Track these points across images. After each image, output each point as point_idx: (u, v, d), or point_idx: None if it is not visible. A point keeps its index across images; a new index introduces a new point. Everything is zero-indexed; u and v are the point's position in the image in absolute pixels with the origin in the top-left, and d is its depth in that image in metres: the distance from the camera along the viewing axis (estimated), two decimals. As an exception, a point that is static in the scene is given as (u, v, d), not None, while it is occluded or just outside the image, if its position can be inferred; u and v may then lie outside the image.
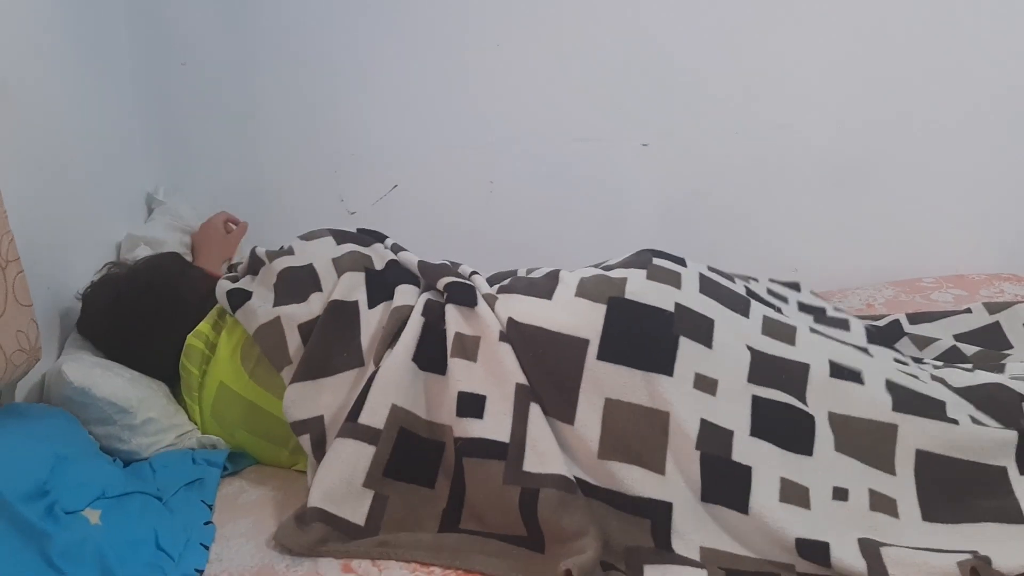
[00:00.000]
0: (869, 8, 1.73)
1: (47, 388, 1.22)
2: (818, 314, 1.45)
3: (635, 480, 1.08)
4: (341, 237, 1.38)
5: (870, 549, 0.99)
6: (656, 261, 1.28)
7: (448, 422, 1.15)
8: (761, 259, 1.61)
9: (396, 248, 1.40)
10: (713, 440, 1.08)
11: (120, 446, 1.21)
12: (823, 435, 1.12)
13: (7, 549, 0.90)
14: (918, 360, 1.38)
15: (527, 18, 1.76)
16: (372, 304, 1.26)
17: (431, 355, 1.19)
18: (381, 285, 1.29)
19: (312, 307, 1.25)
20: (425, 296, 1.27)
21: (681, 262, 1.30)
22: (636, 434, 1.10)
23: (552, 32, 1.77)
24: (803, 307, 1.48)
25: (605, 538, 1.03)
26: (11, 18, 1.28)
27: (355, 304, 1.26)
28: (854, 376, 1.16)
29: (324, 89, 1.81)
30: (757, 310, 1.27)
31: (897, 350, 1.38)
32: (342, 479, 1.11)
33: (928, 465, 1.09)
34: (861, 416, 1.13)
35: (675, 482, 1.08)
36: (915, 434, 1.10)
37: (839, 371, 1.17)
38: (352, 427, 1.13)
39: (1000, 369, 1.27)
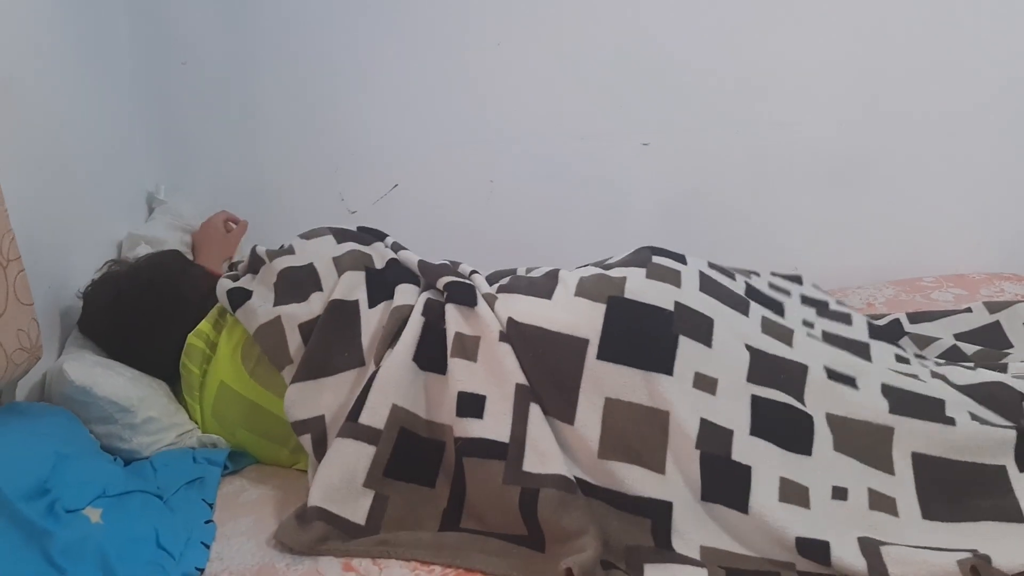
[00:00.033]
0: (869, 7, 1.73)
1: (48, 387, 1.22)
2: (821, 307, 1.44)
3: (635, 480, 1.08)
4: (341, 235, 1.38)
5: (870, 548, 0.99)
6: (656, 259, 1.28)
7: (448, 422, 1.15)
8: (761, 259, 1.61)
9: (396, 247, 1.40)
10: (713, 439, 1.08)
11: (121, 445, 1.21)
12: (822, 435, 1.12)
13: (8, 547, 0.90)
14: (920, 356, 1.38)
15: (527, 18, 1.76)
16: (372, 303, 1.26)
17: (431, 355, 1.19)
18: (381, 284, 1.29)
19: (313, 306, 1.25)
20: (425, 295, 1.27)
21: (681, 259, 1.30)
22: (636, 433, 1.10)
23: (552, 31, 1.77)
24: (806, 300, 1.47)
25: (605, 537, 1.03)
26: (12, 17, 1.29)
27: (355, 303, 1.26)
28: (849, 382, 1.17)
29: (324, 88, 1.81)
30: (756, 310, 1.27)
31: (899, 346, 1.38)
32: (342, 479, 1.11)
33: (926, 467, 1.09)
34: (858, 418, 1.13)
35: (675, 481, 1.08)
36: (911, 437, 1.11)
37: (835, 376, 1.17)
38: (353, 427, 1.13)
39: (1002, 368, 1.27)
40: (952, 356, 1.39)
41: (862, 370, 1.20)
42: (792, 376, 1.16)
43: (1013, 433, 1.08)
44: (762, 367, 1.15)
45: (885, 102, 1.79)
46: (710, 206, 1.89)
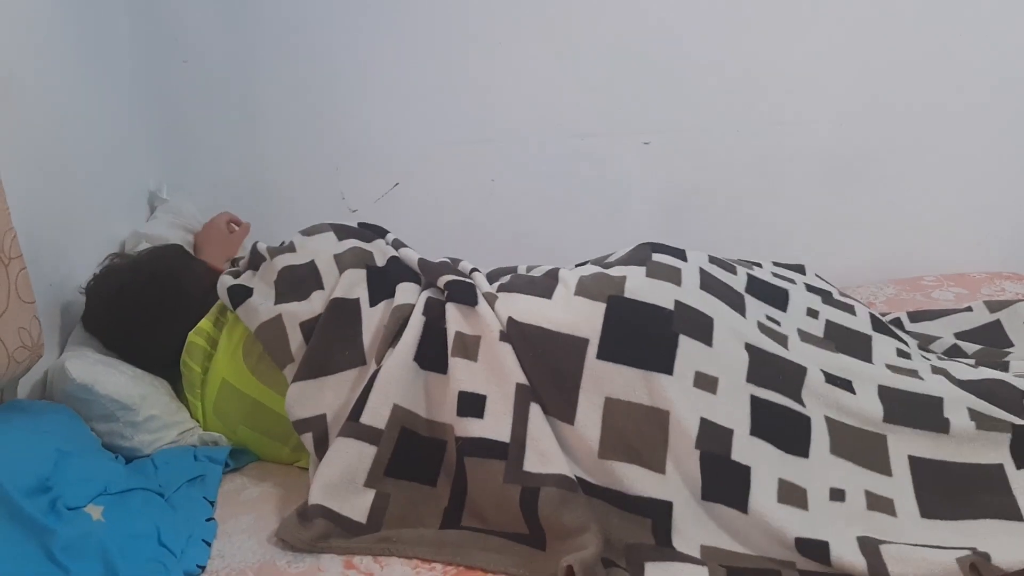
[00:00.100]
0: (869, 6, 1.73)
1: (50, 384, 1.22)
2: (825, 296, 1.43)
3: (635, 479, 1.08)
4: (343, 232, 1.38)
5: (869, 547, 0.99)
6: (656, 256, 1.27)
7: (449, 421, 1.15)
8: (762, 257, 1.60)
9: (397, 244, 1.40)
10: (713, 439, 1.08)
11: (122, 443, 1.21)
12: (819, 437, 1.12)
13: (10, 544, 0.90)
14: (923, 349, 1.37)
15: (527, 17, 1.76)
16: (373, 302, 1.26)
17: (432, 354, 1.19)
18: (382, 282, 1.29)
19: (314, 305, 1.25)
20: (426, 294, 1.27)
21: (681, 255, 1.30)
22: (636, 433, 1.10)
23: (552, 30, 1.77)
24: (811, 288, 1.45)
25: (606, 535, 1.04)
26: (13, 16, 1.29)
27: (356, 302, 1.26)
28: (845, 385, 1.17)
29: (325, 87, 1.81)
30: (754, 310, 1.27)
31: (900, 339, 1.37)
32: (344, 478, 1.11)
33: (923, 468, 1.10)
34: (853, 425, 1.13)
35: (675, 481, 1.08)
36: (905, 443, 1.11)
37: (832, 379, 1.17)
38: (354, 427, 1.13)
39: (1003, 367, 1.27)
40: (953, 355, 1.39)
41: (859, 373, 1.20)
42: (790, 377, 1.16)
43: (1008, 434, 1.08)
44: (761, 367, 1.15)
45: (886, 102, 1.79)
46: (710, 205, 1.89)
